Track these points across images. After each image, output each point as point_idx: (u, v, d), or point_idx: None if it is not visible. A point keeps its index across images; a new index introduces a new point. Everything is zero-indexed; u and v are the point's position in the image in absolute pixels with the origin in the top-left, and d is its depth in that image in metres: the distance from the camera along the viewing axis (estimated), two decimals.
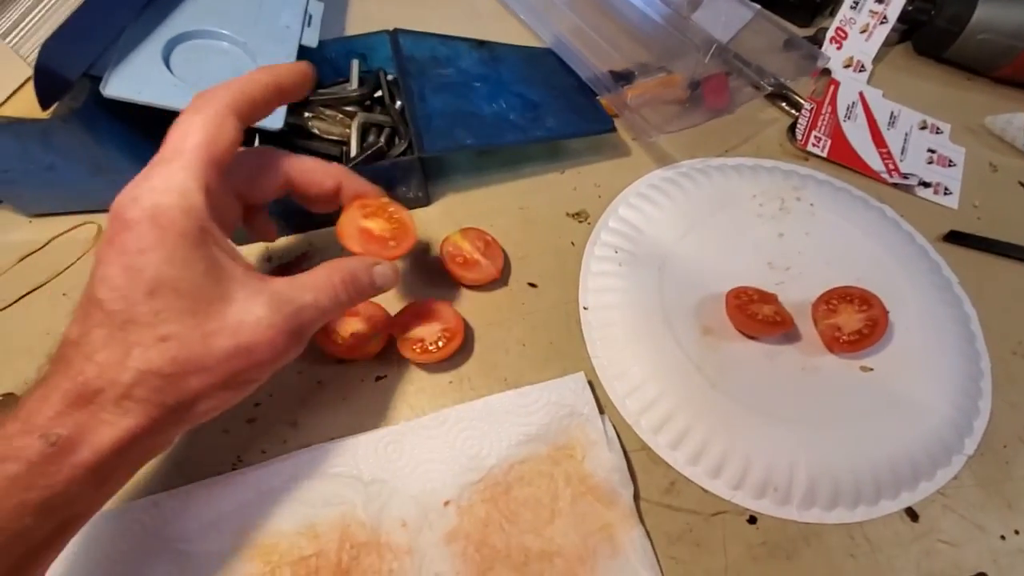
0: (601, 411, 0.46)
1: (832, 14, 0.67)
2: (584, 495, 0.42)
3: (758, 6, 0.72)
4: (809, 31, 0.69)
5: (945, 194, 0.57)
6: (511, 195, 0.57)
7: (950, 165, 0.59)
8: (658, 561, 0.40)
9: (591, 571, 0.39)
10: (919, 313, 0.48)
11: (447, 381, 0.47)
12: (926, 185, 0.58)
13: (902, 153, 0.59)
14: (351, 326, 0.46)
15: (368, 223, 0.44)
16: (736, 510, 0.42)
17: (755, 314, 0.46)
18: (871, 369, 0.46)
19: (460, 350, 0.48)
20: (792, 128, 0.60)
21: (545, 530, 0.41)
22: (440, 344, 0.45)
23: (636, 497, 0.42)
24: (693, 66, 0.58)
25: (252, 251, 0.54)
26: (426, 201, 0.56)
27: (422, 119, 0.52)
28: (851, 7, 0.66)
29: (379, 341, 0.46)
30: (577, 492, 0.42)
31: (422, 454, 0.43)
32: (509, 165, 0.59)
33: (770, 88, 0.63)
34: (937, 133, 0.61)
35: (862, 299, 0.46)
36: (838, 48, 0.65)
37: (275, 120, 0.50)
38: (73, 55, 0.44)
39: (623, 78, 0.59)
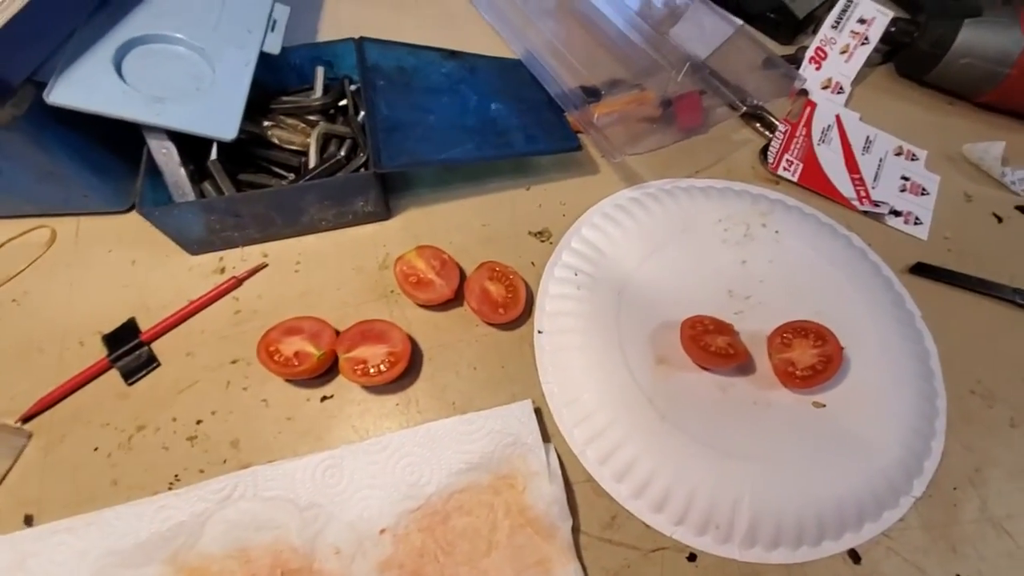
0: (547, 440, 0.45)
1: (814, 32, 0.65)
2: (523, 527, 0.41)
3: (740, 22, 0.71)
4: (790, 49, 0.68)
5: (916, 224, 0.56)
6: (474, 211, 0.56)
7: (923, 193, 0.58)
8: None
9: None
10: (878, 348, 0.47)
11: (394, 403, 0.47)
12: (897, 214, 0.56)
13: (875, 179, 0.58)
14: (294, 345, 0.46)
15: (490, 285, 0.49)
16: (677, 547, 0.41)
17: (708, 345, 0.45)
18: (823, 405, 0.45)
19: (408, 372, 0.47)
20: (764, 151, 0.59)
21: (481, 562, 0.40)
22: (383, 368, 0.45)
23: (576, 530, 0.41)
24: (665, 84, 0.57)
25: (206, 261, 0.53)
26: (386, 215, 0.55)
27: (382, 132, 0.51)
28: (832, 26, 0.64)
29: (323, 360, 0.45)
30: (516, 524, 0.41)
31: (362, 479, 0.42)
32: (474, 179, 0.58)
33: (745, 108, 0.62)
34: (913, 160, 0.60)
35: (817, 334, 0.45)
36: (817, 68, 0.64)
37: (228, 130, 0.49)
38: (14, 59, 0.42)
39: (593, 95, 0.58)
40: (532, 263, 0.53)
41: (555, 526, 0.41)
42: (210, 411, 0.46)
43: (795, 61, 0.65)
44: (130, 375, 0.47)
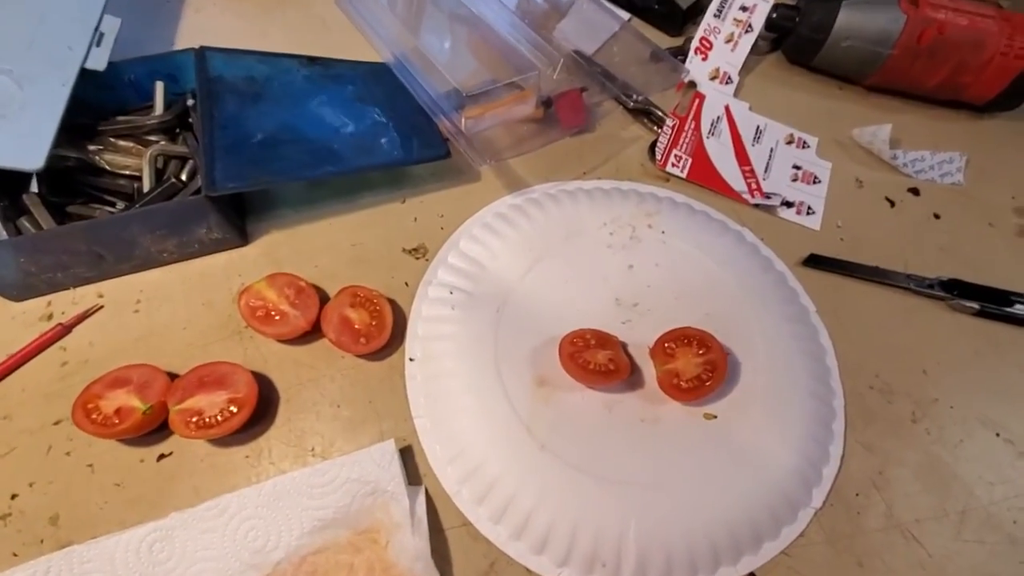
0: (418, 482, 0.40)
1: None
2: None
3: (627, 16, 0.69)
4: (678, 41, 0.66)
5: (808, 214, 0.54)
6: (344, 230, 0.51)
7: (815, 182, 0.56)
8: None
9: None
10: (769, 350, 0.44)
11: (242, 456, 0.41)
12: (789, 205, 0.54)
13: (766, 171, 0.56)
14: (117, 400, 0.39)
15: (351, 312, 0.44)
16: None
17: (587, 363, 0.41)
18: (714, 417, 0.42)
19: (259, 418, 0.42)
20: (653, 147, 0.56)
21: None
22: (220, 417, 0.39)
23: None
24: (541, 82, 0.53)
25: (32, 308, 0.46)
26: (240, 241, 0.49)
27: (220, 150, 0.45)
28: (715, 15, 0.62)
29: (151, 415, 0.39)
30: None
31: (196, 551, 0.36)
32: (344, 195, 0.53)
33: (632, 103, 0.59)
34: (804, 147, 0.59)
35: (700, 341, 0.42)
36: (703, 59, 0.62)
37: (34, 159, 0.42)
38: None
39: (469, 98, 0.54)
40: (406, 283, 0.49)
41: None
42: (27, 483, 0.40)
43: (683, 53, 0.63)
44: None
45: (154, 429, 0.40)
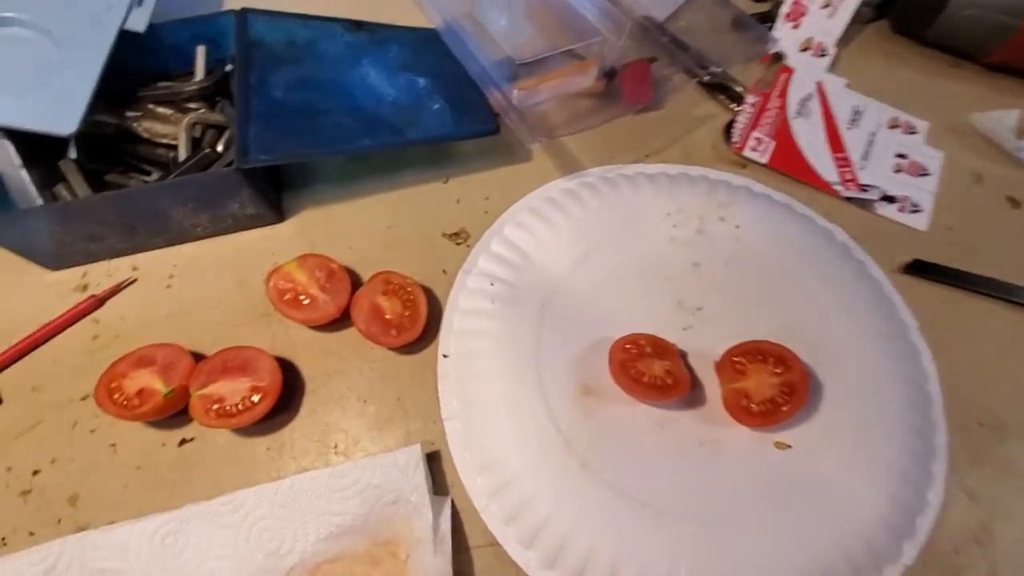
0: (444, 492, 0.37)
1: None
2: None
3: None
4: (765, 6, 0.58)
5: (913, 211, 0.46)
6: (381, 210, 0.48)
7: (923, 174, 0.48)
8: None
9: None
10: (859, 372, 0.38)
11: (264, 448, 0.39)
12: (890, 200, 0.47)
13: (864, 159, 0.48)
14: (140, 380, 0.38)
15: (384, 301, 0.41)
16: None
17: (641, 374, 0.36)
18: (788, 446, 0.36)
19: (282, 408, 0.39)
20: (729, 128, 0.50)
21: None
22: (241, 406, 0.37)
23: None
24: (604, 51, 0.47)
25: (67, 278, 0.45)
26: (276, 218, 0.47)
27: (257, 119, 0.42)
28: None
29: (173, 398, 0.37)
30: None
31: (209, 548, 0.34)
32: (384, 171, 0.49)
33: (706, 77, 0.52)
34: (911, 133, 0.50)
35: (778, 358, 0.36)
36: (795, 27, 0.54)
37: (67, 123, 0.41)
38: None
39: (523, 67, 0.49)
40: (444, 271, 0.45)
41: None
42: (50, 459, 0.39)
43: (770, 19, 0.55)
44: None
45: (177, 412, 0.39)
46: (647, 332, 0.39)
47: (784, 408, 0.35)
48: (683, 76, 0.53)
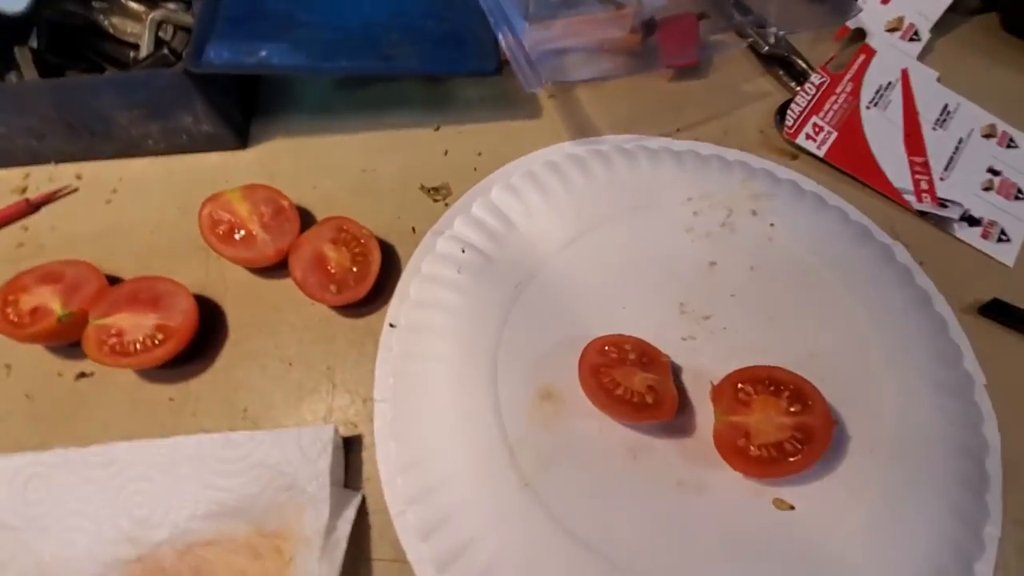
0: (357, 486, 0.30)
1: None
2: None
3: None
4: None
5: (1001, 240, 0.37)
6: (358, 150, 0.41)
7: (1019, 198, 0.38)
8: None
9: None
10: (901, 427, 0.30)
11: (166, 397, 0.33)
12: (973, 222, 0.37)
13: (947, 168, 0.39)
14: (39, 297, 0.33)
15: (330, 250, 0.35)
16: None
17: (616, 384, 0.29)
18: (791, 507, 0.28)
19: (198, 356, 0.34)
20: (783, 109, 0.41)
21: None
22: (140, 345, 0.31)
23: None
24: None
25: (7, 177, 0.41)
26: (238, 142, 0.41)
27: (224, 22, 0.36)
28: None
29: (69, 323, 0.32)
30: None
31: (72, 502, 0.29)
32: (370, 108, 0.43)
33: (767, 47, 0.44)
34: (1010, 147, 0.40)
35: (796, 392, 0.28)
36: (884, 1, 0.44)
37: (14, 1, 0.36)
38: None
39: (544, 5, 0.41)
40: (413, 228, 0.38)
41: None
42: None
43: None
44: None
45: (76, 342, 0.33)
46: (638, 335, 0.32)
47: (793, 459, 0.27)
48: (738, 42, 0.44)
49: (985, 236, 0.37)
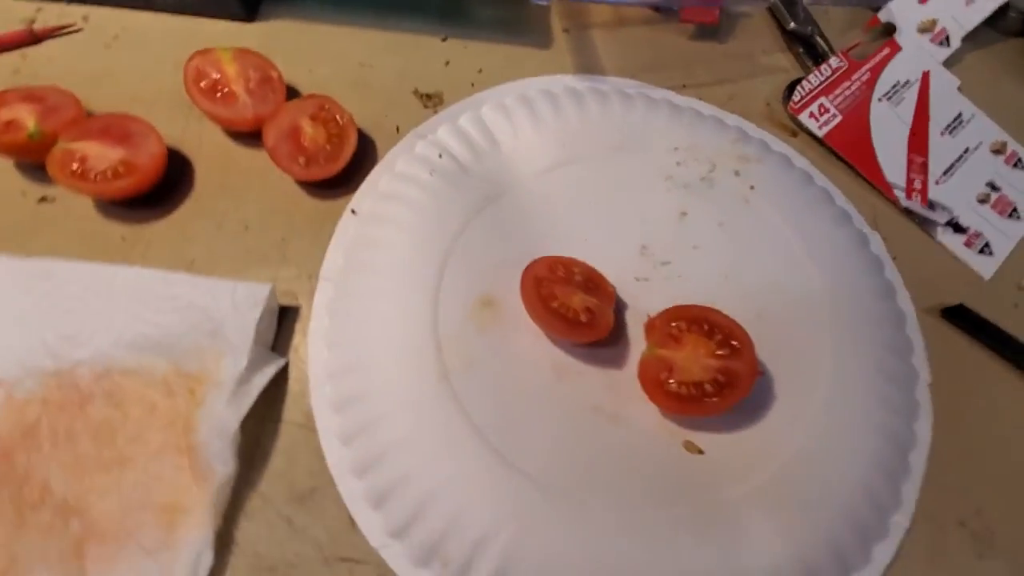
0: (285, 353, 0.31)
1: None
2: (178, 453, 0.27)
3: None
4: None
5: (982, 252, 0.36)
6: (362, 45, 0.41)
7: (1012, 216, 0.37)
8: None
9: (107, 560, 0.25)
10: (831, 402, 0.29)
11: (119, 235, 0.33)
12: (958, 229, 0.36)
13: (946, 173, 0.38)
14: (15, 112, 0.33)
15: (307, 125, 0.34)
16: (377, 566, 0.26)
17: (552, 297, 0.28)
18: (700, 451, 0.28)
19: (159, 202, 0.34)
20: (793, 86, 0.40)
21: (88, 478, 0.27)
22: (101, 176, 0.31)
23: (248, 484, 0.27)
24: None
25: (18, 7, 0.41)
26: (246, 15, 0.41)
27: None
28: None
29: (38, 142, 0.32)
30: (170, 444, 0.27)
31: (6, 307, 0.29)
32: (385, 5, 0.42)
33: (793, 24, 0.43)
34: (1016, 167, 0.39)
35: (728, 335, 0.27)
36: (922, 1, 0.43)
37: None
38: None
39: None
40: (397, 128, 0.38)
41: (210, 467, 0.27)
42: None
43: None
44: None
45: (44, 165, 0.34)
46: (594, 265, 0.31)
47: (710, 399, 0.26)
48: (764, 14, 0.43)
49: (968, 245, 0.36)
